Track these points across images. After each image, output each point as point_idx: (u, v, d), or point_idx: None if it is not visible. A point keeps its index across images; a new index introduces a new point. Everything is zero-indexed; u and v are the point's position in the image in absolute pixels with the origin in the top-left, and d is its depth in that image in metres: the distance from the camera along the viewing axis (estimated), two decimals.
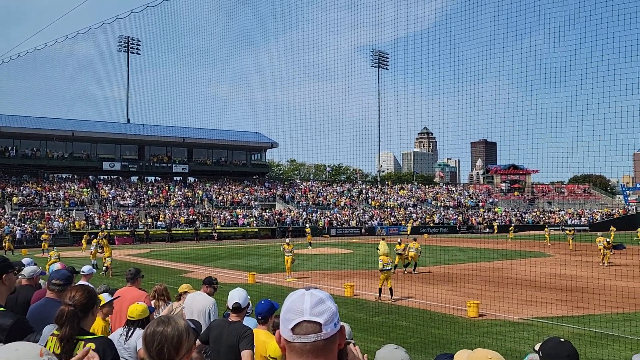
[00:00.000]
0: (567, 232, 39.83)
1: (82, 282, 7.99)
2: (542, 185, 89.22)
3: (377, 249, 21.88)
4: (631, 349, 10.94)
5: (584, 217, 73.22)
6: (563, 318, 14.64)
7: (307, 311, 1.63)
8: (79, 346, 3.08)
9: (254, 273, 22.57)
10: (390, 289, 17.65)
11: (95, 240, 28.02)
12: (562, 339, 2.99)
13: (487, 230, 64.87)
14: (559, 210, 77.48)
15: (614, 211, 76.43)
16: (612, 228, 47.81)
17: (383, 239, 24.66)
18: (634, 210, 79.49)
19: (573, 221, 70.25)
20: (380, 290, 17.80)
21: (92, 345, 3.07)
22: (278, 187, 70.89)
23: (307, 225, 52.35)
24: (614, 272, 22.76)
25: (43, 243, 38.57)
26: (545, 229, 48.09)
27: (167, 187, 62.41)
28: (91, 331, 3.62)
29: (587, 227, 66.87)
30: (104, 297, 6.29)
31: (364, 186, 79.98)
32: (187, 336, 2.37)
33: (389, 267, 17.89)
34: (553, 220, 71.93)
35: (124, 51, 75.50)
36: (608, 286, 19.16)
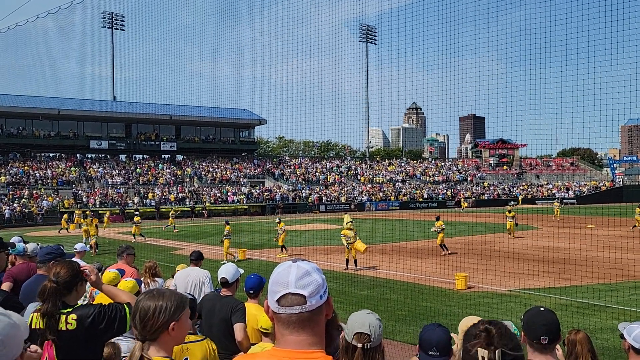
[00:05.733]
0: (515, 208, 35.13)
1: (75, 259, 8.00)
2: (530, 159, 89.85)
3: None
4: (615, 319, 11.18)
5: (572, 190, 74.00)
6: (549, 289, 14.89)
7: (292, 284, 1.67)
8: (62, 320, 3.12)
9: (244, 249, 22.67)
10: (354, 260, 18.89)
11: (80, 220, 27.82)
12: (542, 308, 3.04)
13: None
14: (546, 184, 78.19)
15: (601, 184, 77.28)
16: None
17: (346, 213, 25.60)
18: (621, 183, 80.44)
19: (561, 194, 71.02)
20: (347, 261, 19.00)
21: (73, 315, 3.12)
22: (267, 164, 70.79)
23: (172, 207, 47.04)
24: (598, 244, 23.12)
25: (77, 218, 35.54)
26: (555, 203, 46.07)
27: (155, 165, 62.09)
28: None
29: (575, 200, 67.68)
30: (118, 273, 6.33)
31: (353, 162, 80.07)
32: (171, 311, 2.40)
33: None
34: (541, 193, 72.65)
35: (108, 27, 74.35)
36: (593, 257, 19.50)
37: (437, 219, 22.67)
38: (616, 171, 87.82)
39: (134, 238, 30.13)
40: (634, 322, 3.81)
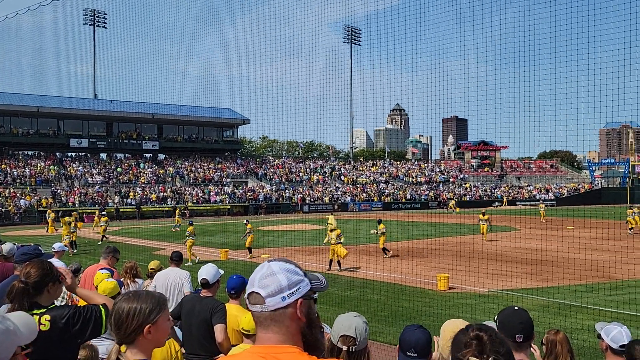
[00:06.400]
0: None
1: (54, 259, 7.87)
2: (511, 161, 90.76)
3: (329, 223, 22.25)
4: (593, 319, 11.33)
5: (552, 191, 74.94)
6: (529, 290, 15.05)
7: (256, 282, 1.70)
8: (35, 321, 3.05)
9: (226, 250, 22.54)
10: (337, 261, 18.94)
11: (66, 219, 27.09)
12: (516, 308, 3.07)
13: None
14: (527, 186, 79.07)
15: (580, 186, 78.38)
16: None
17: (332, 214, 26.21)
18: (599, 185, 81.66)
19: (541, 196, 71.93)
20: (331, 262, 19.03)
21: (47, 316, 3.06)
22: (250, 163, 70.54)
23: (178, 205, 49.24)
24: (577, 245, 23.43)
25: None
26: (541, 205, 45.03)
27: (137, 164, 61.50)
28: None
29: (554, 202, 68.57)
30: (106, 274, 6.22)
31: (336, 163, 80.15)
32: (145, 313, 2.36)
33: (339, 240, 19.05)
34: (521, 195, 73.42)
35: (89, 24, 73.49)
36: (572, 259, 19.75)
37: (379, 221, 22.38)
38: (595, 173, 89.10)
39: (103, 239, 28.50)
40: (611, 323, 3.87)
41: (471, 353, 1.85)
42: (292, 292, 1.69)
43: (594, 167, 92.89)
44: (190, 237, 21.61)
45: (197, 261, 20.54)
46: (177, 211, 40.03)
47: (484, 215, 28.42)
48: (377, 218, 23.82)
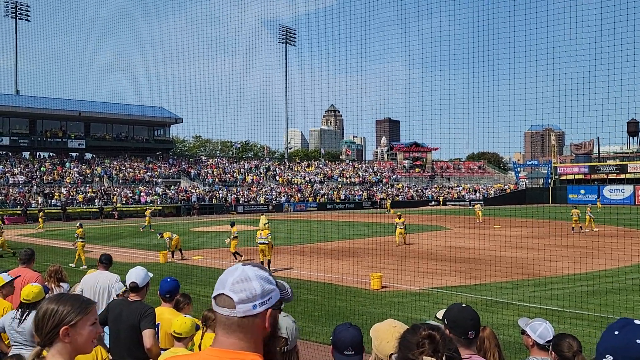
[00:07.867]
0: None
1: None
2: (442, 162, 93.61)
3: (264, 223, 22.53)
4: (518, 314, 11.82)
5: (479, 192, 77.91)
6: (459, 287, 15.53)
7: (228, 285, 1.65)
8: None
9: (165, 252, 21.88)
10: (268, 261, 19.06)
11: None
12: (463, 305, 3.12)
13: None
14: (456, 186, 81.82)
15: (506, 186, 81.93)
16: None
17: (262, 214, 26.64)
18: (524, 186, 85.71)
19: (470, 196, 74.59)
20: (262, 263, 18.95)
21: None
22: (183, 163, 69.04)
23: (148, 205, 49.45)
24: (503, 243, 24.46)
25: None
26: (476, 205, 44.65)
27: (61, 164, 58.77)
28: None
29: (482, 202, 71.31)
30: (3, 278, 6.03)
31: (271, 163, 79.85)
32: (62, 314, 2.27)
33: (264, 240, 19.24)
34: (451, 195, 75.88)
35: (11, 17, 69.61)
36: (498, 256, 20.58)
37: (232, 224, 22.66)
38: (520, 174, 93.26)
39: None
40: (534, 319, 4.01)
41: (426, 352, 1.87)
42: (264, 302, 1.65)
43: (519, 168, 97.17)
44: (80, 240, 20.71)
45: (84, 268, 18.82)
46: (148, 211, 39.23)
47: (400, 218, 26.38)
48: (231, 220, 24.25)
